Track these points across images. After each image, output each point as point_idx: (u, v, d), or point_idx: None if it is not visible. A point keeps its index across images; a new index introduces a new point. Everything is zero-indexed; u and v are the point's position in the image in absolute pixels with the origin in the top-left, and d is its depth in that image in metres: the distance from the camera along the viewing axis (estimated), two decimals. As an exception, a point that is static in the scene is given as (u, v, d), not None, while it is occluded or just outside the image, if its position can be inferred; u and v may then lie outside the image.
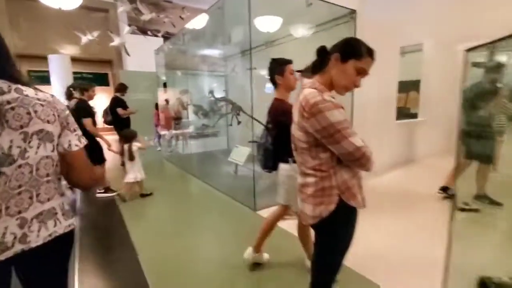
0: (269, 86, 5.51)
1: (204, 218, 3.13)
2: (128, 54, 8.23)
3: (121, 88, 5.24)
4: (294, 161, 1.29)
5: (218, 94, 5.62)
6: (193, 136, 7.01)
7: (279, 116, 1.74)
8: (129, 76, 8.66)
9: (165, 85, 7.97)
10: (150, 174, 4.14)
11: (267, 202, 3.19)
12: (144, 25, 9.12)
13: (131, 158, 3.55)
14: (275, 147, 1.83)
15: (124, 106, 5.05)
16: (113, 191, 3.81)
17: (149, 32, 9.49)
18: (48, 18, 9.20)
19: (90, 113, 3.60)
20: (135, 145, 3.61)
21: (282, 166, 1.82)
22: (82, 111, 3.48)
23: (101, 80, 11.97)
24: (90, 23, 8.61)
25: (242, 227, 2.84)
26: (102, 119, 5.36)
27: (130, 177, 3.58)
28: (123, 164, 5.30)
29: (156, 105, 8.49)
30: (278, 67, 1.81)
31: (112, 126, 5.14)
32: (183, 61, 5.84)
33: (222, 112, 5.44)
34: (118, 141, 5.67)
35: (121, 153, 3.63)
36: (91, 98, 3.74)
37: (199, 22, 5.17)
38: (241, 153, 4.51)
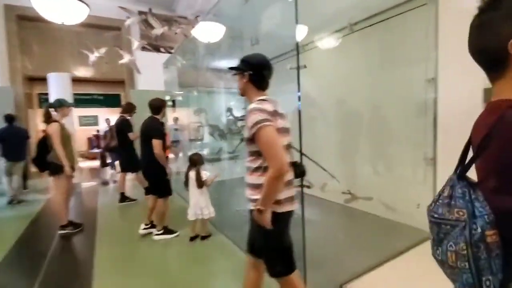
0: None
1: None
2: (139, 72, 7.60)
3: (129, 108, 4.46)
4: None
5: (238, 113, 4.65)
6: (207, 160, 5.97)
7: None
8: (140, 96, 7.96)
9: (173, 103, 7.17)
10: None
11: (324, 277, 2.04)
12: (157, 41, 8.54)
13: (200, 185, 2.89)
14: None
15: (130, 130, 4.24)
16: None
17: (162, 49, 8.93)
18: (60, 40, 8.85)
19: (162, 134, 2.93)
20: (205, 174, 2.92)
21: None
22: (153, 130, 2.87)
23: (114, 101, 11.47)
24: (101, 43, 8.12)
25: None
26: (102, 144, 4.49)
27: (192, 213, 2.90)
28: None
29: None
30: (509, 19, 0.64)
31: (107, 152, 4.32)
32: (194, 74, 5.00)
33: (243, 133, 4.44)
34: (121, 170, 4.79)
35: (185, 182, 2.95)
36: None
37: (207, 27, 4.33)
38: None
